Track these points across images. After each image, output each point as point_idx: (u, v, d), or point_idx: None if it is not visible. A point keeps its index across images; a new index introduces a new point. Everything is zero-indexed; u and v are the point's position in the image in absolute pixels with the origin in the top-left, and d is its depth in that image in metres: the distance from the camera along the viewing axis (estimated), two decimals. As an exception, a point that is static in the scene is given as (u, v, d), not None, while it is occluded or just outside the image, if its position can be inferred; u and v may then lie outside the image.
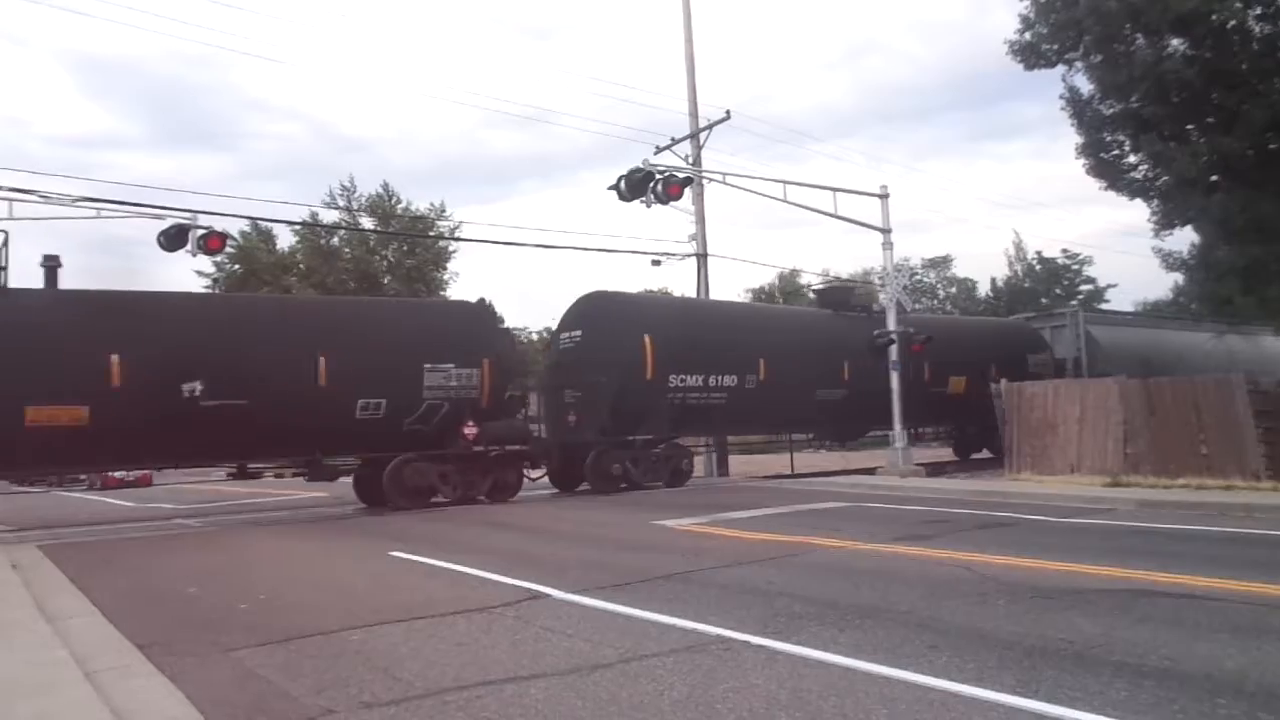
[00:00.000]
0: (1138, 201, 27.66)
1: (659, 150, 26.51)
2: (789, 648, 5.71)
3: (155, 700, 5.03)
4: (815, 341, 22.46)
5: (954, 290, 66.42)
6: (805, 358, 21.59)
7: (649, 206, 18.30)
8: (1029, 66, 25.65)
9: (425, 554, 10.28)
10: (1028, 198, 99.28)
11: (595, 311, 20.11)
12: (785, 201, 20.15)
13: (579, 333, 20.09)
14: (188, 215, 16.82)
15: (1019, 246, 62.77)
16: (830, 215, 20.65)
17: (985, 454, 25.57)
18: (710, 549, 10.42)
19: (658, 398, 18.83)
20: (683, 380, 19.39)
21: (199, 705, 4.90)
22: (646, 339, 18.90)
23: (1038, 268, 62.05)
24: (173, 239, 16.81)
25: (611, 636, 6.19)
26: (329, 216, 39.12)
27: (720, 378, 19.99)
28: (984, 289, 63.76)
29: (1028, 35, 25.22)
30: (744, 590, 7.79)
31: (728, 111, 26.79)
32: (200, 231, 16.70)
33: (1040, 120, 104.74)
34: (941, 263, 68.42)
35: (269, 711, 4.84)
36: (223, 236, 17.66)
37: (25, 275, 17.21)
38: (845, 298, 24.73)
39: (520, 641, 6.18)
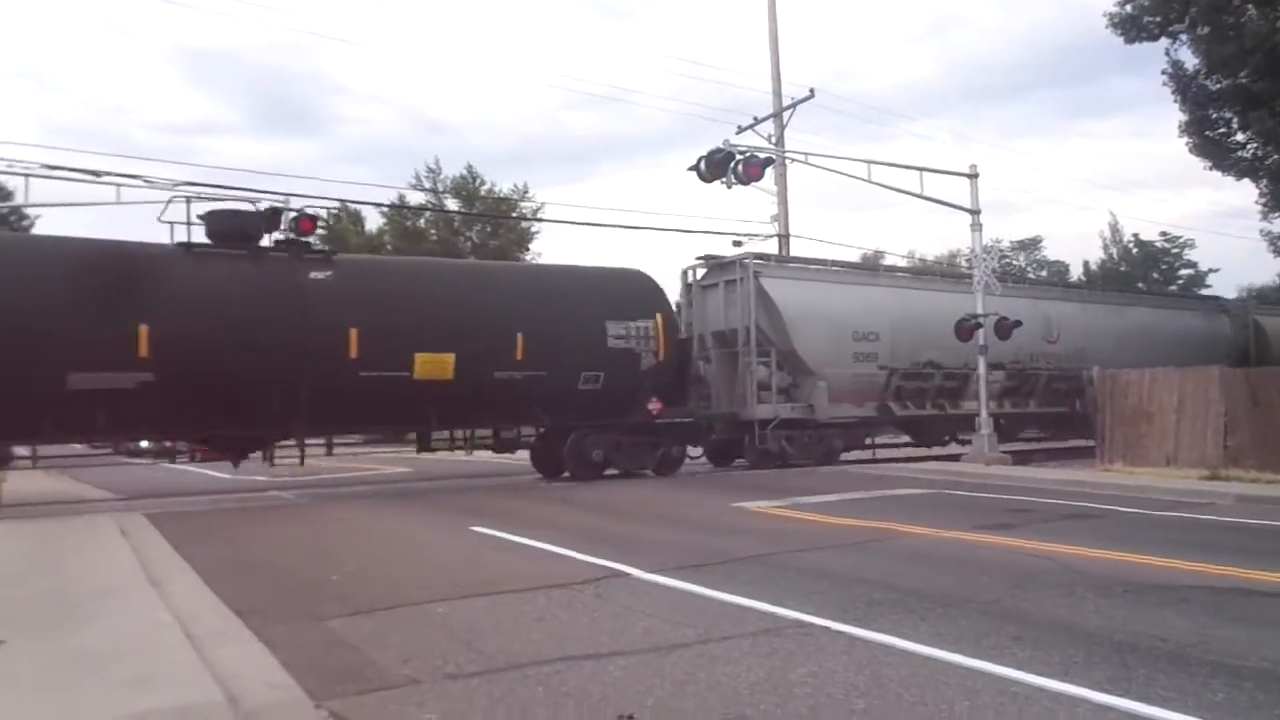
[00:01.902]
0: (1245, 182, 26.46)
1: (740, 130, 26.39)
2: (868, 634, 5.67)
3: (252, 665, 5.23)
4: (69, 289, 13.09)
5: (1044, 273, 64.49)
6: (38, 319, 12.92)
7: (730, 187, 18.22)
8: (1129, 40, 24.68)
9: (506, 530, 10.47)
10: (1125, 177, 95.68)
11: None
12: (869, 182, 19.82)
13: None
14: (281, 198, 17.33)
15: (1115, 228, 60.60)
16: (916, 196, 20.25)
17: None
18: (788, 532, 10.38)
19: None
20: None
21: (292, 671, 5.08)
22: None
23: (1134, 250, 59.82)
24: (268, 221, 17.31)
25: (690, 617, 6.22)
26: (415, 198, 39.90)
27: None
28: (1076, 272, 61.77)
29: (1128, 7, 24.26)
30: (822, 575, 7.75)
31: (811, 90, 26.51)
32: (292, 214, 17.16)
33: (1140, 97, 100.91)
34: (1031, 244, 66.58)
35: (358, 679, 5.00)
36: (314, 219, 18.08)
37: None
38: (249, 229, 15.56)
39: (599, 619, 6.26)
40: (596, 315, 17.47)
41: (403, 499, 15.47)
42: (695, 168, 18.16)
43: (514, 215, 39.17)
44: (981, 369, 20.15)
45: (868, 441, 22.21)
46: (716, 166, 17.95)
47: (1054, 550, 8.81)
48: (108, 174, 16.30)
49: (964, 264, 29.44)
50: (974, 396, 20.41)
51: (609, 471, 17.76)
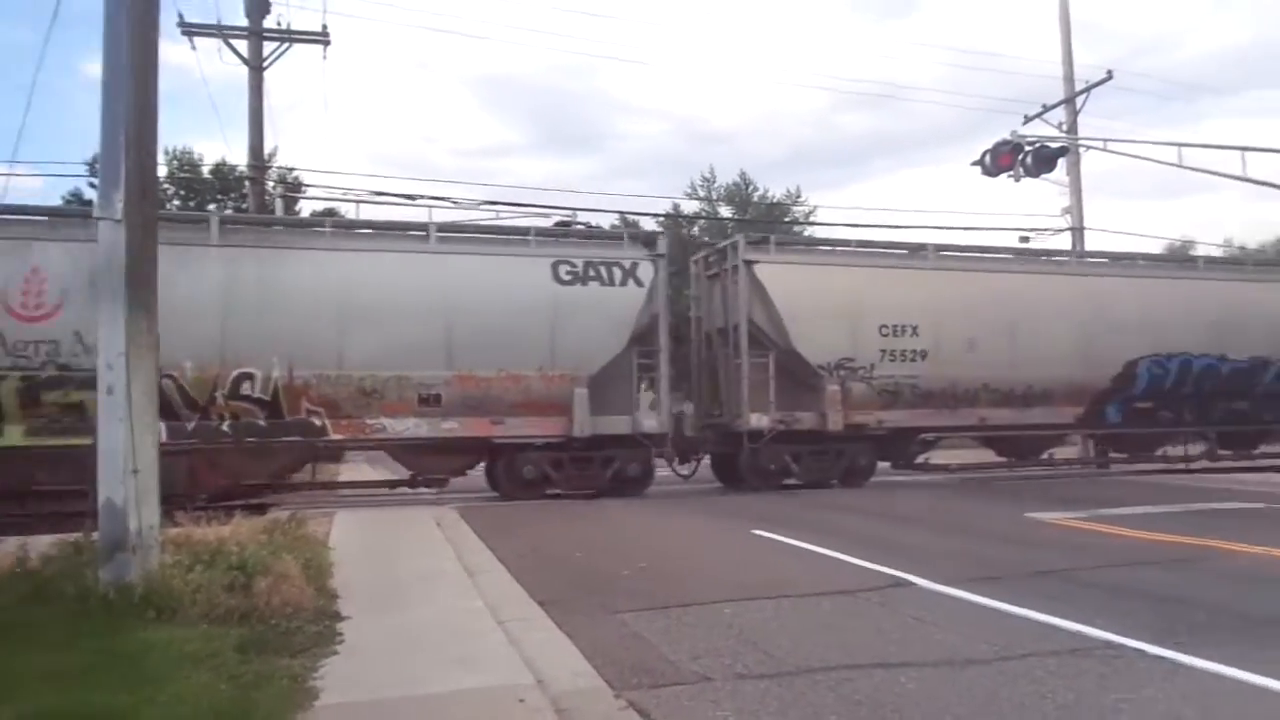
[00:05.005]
0: None
1: (1028, 120, 24.82)
2: (1192, 660, 5.15)
3: (555, 652, 5.63)
4: None
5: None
6: None
7: (1017, 180, 17.31)
8: None
9: (785, 534, 10.50)
10: None
11: None
12: (1180, 166, 18.02)
13: None
14: (569, 212, 18.47)
15: None
16: (1237, 178, 18.13)
17: None
18: (1089, 546, 9.68)
19: None
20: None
21: (591, 660, 5.41)
22: None
23: None
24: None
25: (984, 631, 5.95)
26: (689, 207, 41.03)
27: None
28: None
29: None
30: (1133, 593, 7.15)
31: (1109, 71, 24.40)
32: (580, 226, 18.18)
33: None
34: (1389, 224, 57.39)
35: (652, 672, 5.22)
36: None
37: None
38: None
39: (886, 629, 6.14)
40: None
41: (683, 502, 15.87)
42: (980, 161, 17.41)
43: (786, 220, 39.22)
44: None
45: None
46: (1004, 160, 17.11)
47: None
48: (421, 197, 18.18)
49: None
50: None
51: None
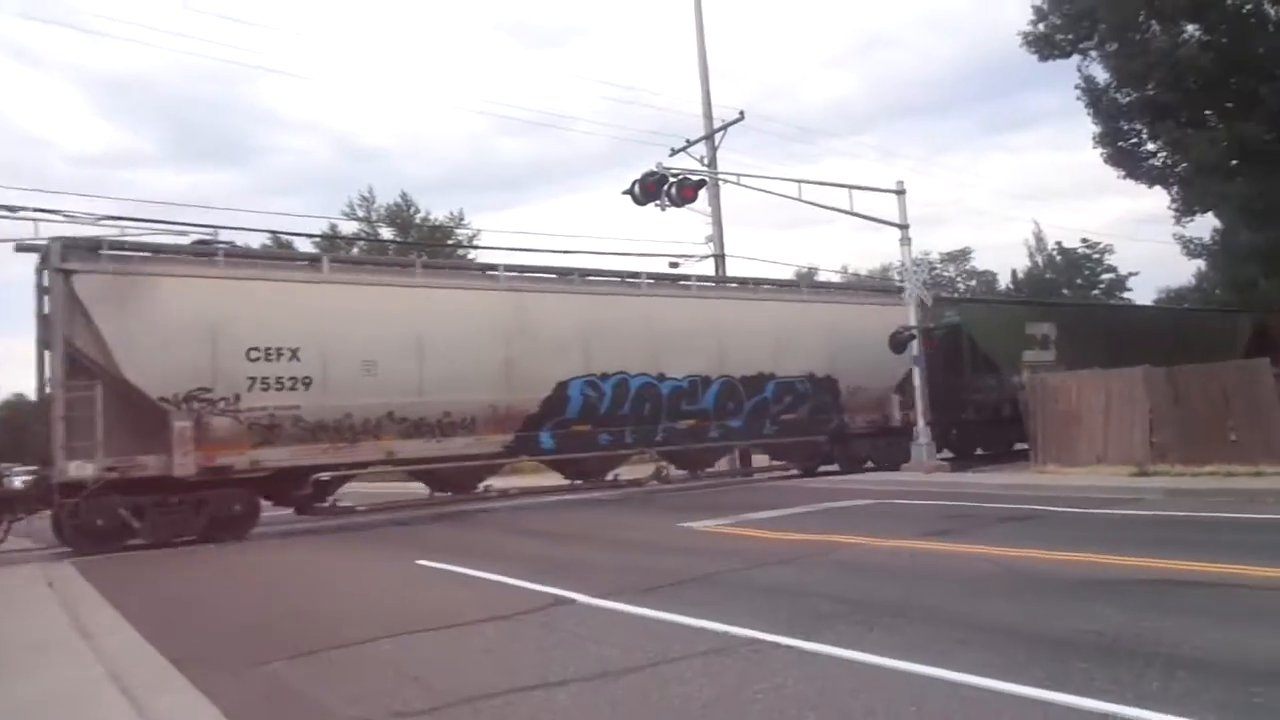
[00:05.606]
0: (1158, 189, 27.64)
1: (673, 153, 26.64)
2: (818, 647, 5.70)
3: (189, 716, 5.08)
4: None
5: (974, 283, 66.09)
6: None
7: (664, 210, 18.39)
8: (1044, 58, 25.67)
9: (451, 562, 10.33)
10: (1044, 188, 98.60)
11: None
12: (801, 200, 20.17)
13: None
14: (209, 230, 16.96)
15: (1039, 237, 62.33)
16: (846, 213, 20.64)
17: None
18: (736, 550, 10.42)
19: None
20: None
21: (232, 719, 4.94)
22: None
23: (1058, 258, 61.60)
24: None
25: (640, 640, 6.19)
26: (348, 228, 39.52)
27: None
28: (1005, 281, 63.38)
29: (1041, 26, 25.27)
30: (772, 591, 7.79)
31: (741, 112, 26.88)
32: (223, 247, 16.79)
33: (1057, 111, 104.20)
34: (960, 256, 68.16)
35: (303, 722, 4.88)
36: (244, 253, 17.74)
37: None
38: None
39: (548, 647, 6.20)
40: None
41: (344, 535, 15.17)
42: (629, 191, 18.28)
43: (450, 243, 39.00)
44: (917, 380, 20.53)
45: None
46: (650, 189, 18.10)
47: (994, 553, 8.99)
48: (23, 209, 15.73)
49: (896, 276, 29.73)
50: None
51: None
